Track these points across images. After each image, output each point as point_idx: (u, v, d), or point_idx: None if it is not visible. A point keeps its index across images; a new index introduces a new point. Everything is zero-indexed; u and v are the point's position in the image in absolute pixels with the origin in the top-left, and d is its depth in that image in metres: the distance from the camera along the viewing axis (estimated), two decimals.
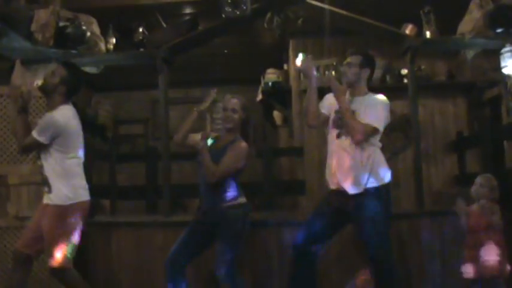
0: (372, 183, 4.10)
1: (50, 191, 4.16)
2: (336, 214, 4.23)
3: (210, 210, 4.25)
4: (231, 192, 4.23)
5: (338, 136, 4.23)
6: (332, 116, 4.32)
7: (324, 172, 4.39)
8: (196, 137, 4.35)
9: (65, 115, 4.17)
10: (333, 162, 4.23)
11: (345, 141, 4.16)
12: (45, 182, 4.18)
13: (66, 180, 4.16)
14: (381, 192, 4.12)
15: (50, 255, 4.11)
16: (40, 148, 4.15)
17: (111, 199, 7.10)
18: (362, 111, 4.13)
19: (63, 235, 4.13)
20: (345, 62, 4.32)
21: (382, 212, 4.08)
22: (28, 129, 4.17)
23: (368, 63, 4.33)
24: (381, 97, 4.24)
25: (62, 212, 4.13)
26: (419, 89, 5.73)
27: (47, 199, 4.20)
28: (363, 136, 4.04)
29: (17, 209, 5.23)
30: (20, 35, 5.02)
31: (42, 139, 4.06)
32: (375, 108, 4.13)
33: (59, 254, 4.10)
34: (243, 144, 4.25)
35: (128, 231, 5.09)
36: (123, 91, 9.85)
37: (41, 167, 4.21)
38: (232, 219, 4.20)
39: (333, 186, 4.22)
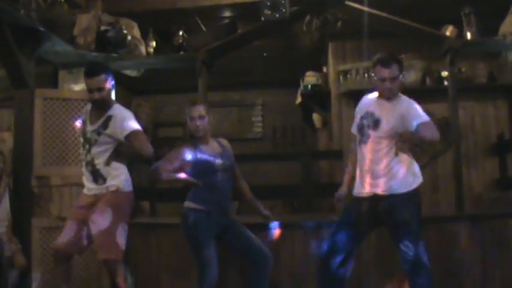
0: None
1: (104, 182, 4.21)
2: (363, 221, 4.14)
3: (226, 211, 4.43)
4: None
5: (362, 142, 4.09)
6: (358, 121, 4.15)
7: None
8: None
9: None
10: (363, 167, 4.11)
11: (368, 146, 4.05)
12: (97, 175, 4.22)
13: (123, 169, 4.36)
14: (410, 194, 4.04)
15: (106, 245, 4.12)
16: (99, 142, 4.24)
17: (150, 201, 7.18)
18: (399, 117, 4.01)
19: (120, 223, 4.19)
20: (386, 76, 3.94)
21: (414, 213, 3.99)
22: None
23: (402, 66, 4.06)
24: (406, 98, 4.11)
25: (119, 198, 4.23)
26: (459, 91, 5.67)
27: (97, 190, 4.22)
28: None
29: (59, 209, 5.32)
30: (63, 39, 5.13)
31: None
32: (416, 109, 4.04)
33: (116, 245, 4.13)
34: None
35: (167, 233, 5.11)
36: (162, 94, 9.97)
37: (91, 160, 4.22)
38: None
39: (364, 192, 4.11)
